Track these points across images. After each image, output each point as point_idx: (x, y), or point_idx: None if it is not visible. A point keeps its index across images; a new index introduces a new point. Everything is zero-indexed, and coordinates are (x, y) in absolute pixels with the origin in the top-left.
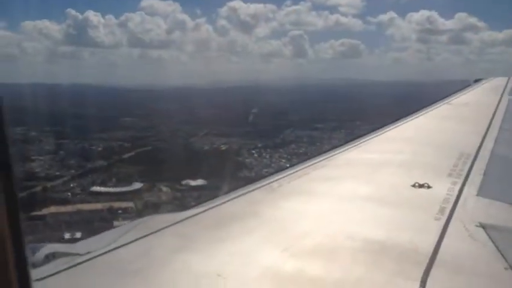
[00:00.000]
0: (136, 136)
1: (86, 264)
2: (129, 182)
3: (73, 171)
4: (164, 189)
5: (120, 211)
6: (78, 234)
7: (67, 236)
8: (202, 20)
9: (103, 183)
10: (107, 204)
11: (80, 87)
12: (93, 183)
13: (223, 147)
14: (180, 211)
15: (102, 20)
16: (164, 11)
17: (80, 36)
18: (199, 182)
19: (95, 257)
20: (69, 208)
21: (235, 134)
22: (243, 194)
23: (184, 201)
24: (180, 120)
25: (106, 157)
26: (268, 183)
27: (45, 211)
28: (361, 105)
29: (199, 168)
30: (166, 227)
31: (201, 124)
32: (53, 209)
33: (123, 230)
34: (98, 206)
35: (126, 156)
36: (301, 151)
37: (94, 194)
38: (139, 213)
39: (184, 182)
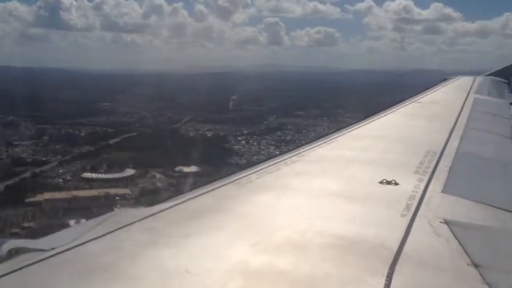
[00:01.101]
0: (118, 122)
1: (50, 260)
2: (121, 169)
3: (60, 156)
4: (158, 175)
5: (117, 197)
6: (83, 221)
7: (72, 223)
8: (179, 4)
9: (94, 170)
10: (102, 191)
11: (52, 71)
12: (84, 170)
13: (209, 134)
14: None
15: (74, 2)
16: None
17: (51, 18)
18: (193, 168)
19: (60, 252)
20: (64, 194)
21: (219, 120)
22: (213, 189)
23: (180, 187)
24: (160, 106)
25: (91, 143)
26: (239, 178)
27: (39, 197)
28: (339, 93)
29: (189, 155)
30: (134, 221)
31: (183, 110)
32: (47, 195)
33: (90, 224)
34: (94, 192)
35: (112, 142)
36: (288, 138)
37: (86, 180)
38: (137, 200)
39: (177, 169)
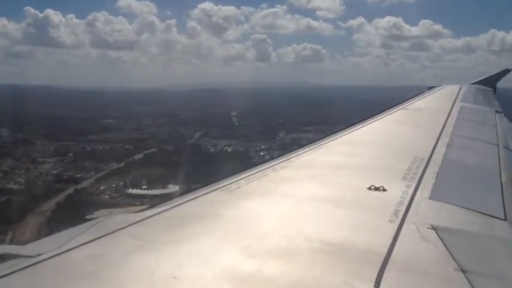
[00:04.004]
0: (132, 138)
1: (37, 266)
2: (163, 184)
3: (93, 173)
4: None
5: None
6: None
7: None
8: (172, 21)
9: (135, 186)
10: None
11: (37, 89)
12: (124, 186)
13: (229, 149)
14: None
15: (63, 20)
16: (140, 11)
17: (39, 35)
18: None
19: (46, 258)
20: (122, 211)
21: (231, 136)
22: (201, 195)
23: None
24: (165, 122)
25: (116, 159)
26: (227, 184)
27: (99, 214)
28: (335, 108)
29: (223, 170)
30: (122, 228)
31: (189, 126)
32: (104, 212)
33: (77, 231)
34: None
35: (136, 158)
36: None
37: (133, 197)
38: None
39: None
